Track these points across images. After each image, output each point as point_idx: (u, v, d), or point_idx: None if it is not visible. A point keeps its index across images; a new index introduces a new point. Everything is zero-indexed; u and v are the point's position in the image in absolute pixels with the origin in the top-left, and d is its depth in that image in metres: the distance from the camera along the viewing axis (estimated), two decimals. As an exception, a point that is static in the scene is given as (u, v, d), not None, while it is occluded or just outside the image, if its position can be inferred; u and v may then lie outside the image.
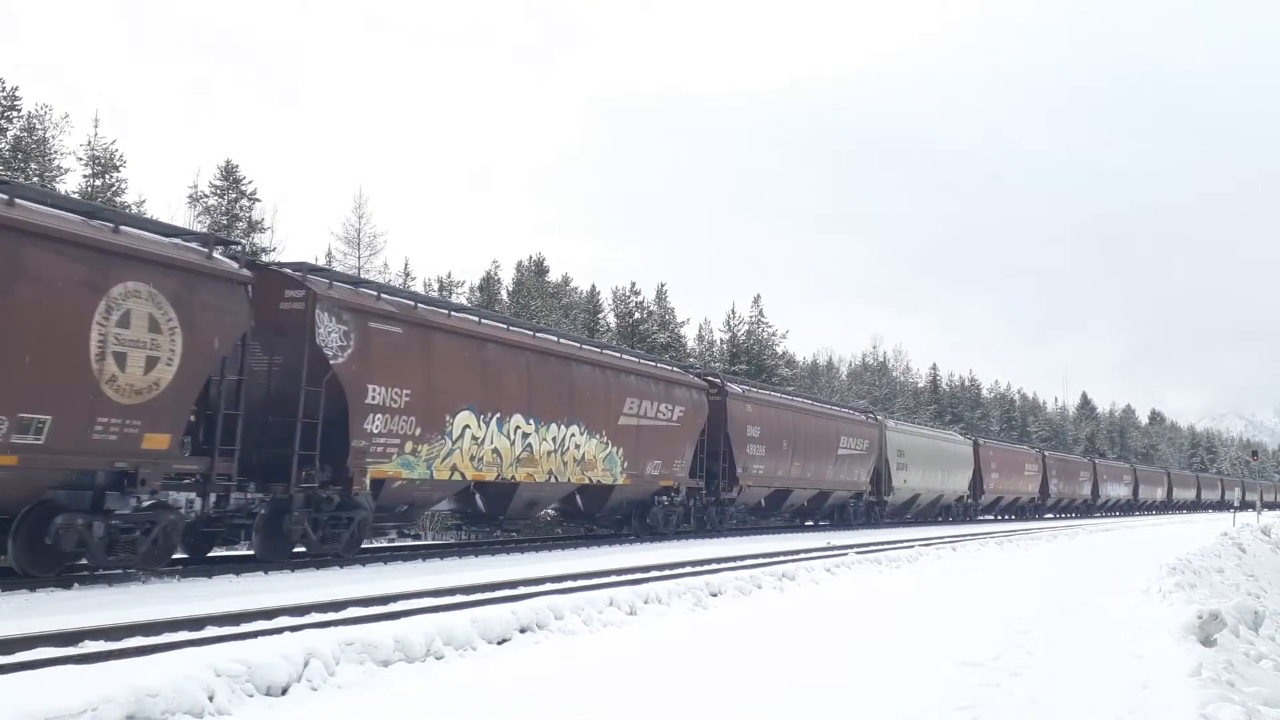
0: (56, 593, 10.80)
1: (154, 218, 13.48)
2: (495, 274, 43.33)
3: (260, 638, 7.50)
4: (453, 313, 17.40)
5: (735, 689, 6.86)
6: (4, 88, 25.41)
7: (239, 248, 14.46)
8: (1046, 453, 58.13)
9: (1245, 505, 62.19)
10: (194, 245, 12.91)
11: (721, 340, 51.60)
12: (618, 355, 22.61)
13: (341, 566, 14.38)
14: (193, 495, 12.74)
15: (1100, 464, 67.91)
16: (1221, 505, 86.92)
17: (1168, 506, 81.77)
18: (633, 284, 45.12)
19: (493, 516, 19.15)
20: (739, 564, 16.12)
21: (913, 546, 21.92)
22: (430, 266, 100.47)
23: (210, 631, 8.35)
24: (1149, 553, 21.61)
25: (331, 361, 14.17)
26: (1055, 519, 55.79)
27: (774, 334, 52.45)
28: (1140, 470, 77.56)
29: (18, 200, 10.84)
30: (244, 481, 13.30)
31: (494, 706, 6.27)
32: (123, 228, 11.88)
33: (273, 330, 13.95)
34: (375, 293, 15.79)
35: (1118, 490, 69.95)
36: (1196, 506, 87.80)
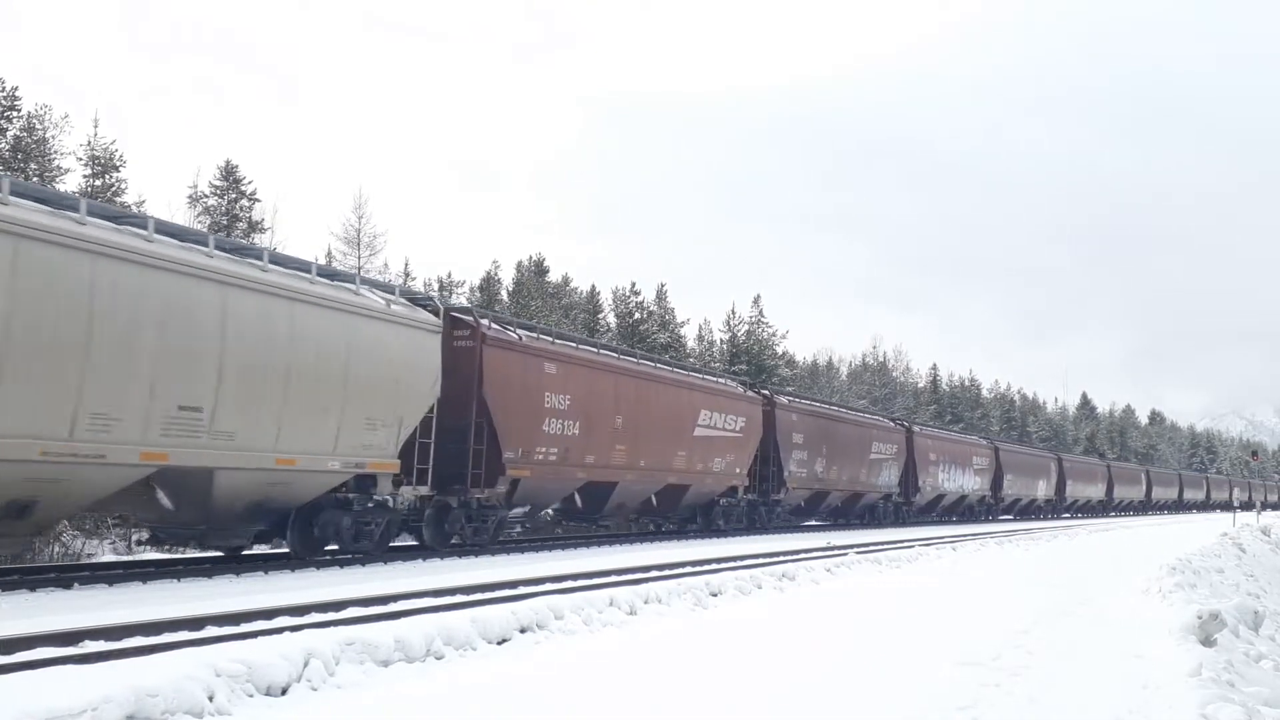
0: (56, 593, 10.80)
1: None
2: (495, 274, 43.18)
3: (260, 638, 7.50)
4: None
5: (735, 688, 6.87)
6: (4, 88, 25.40)
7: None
8: (776, 394, 29.95)
9: (1247, 505, 62.42)
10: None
11: (721, 340, 51.47)
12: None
13: (342, 567, 14.44)
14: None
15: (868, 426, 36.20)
16: (1229, 505, 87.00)
17: (1161, 508, 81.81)
18: (633, 284, 45.08)
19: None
20: (740, 564, 16.12)
21: (913, 546, 21.97)
22: (430, 266, 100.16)
23: (210, 631, 8.35)
24: (1149, 552, 21.62)
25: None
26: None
27: (774, 334, 52.28)
28: (1001, 450, 48.52)
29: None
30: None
31: (494, 706, 6.28)
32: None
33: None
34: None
35: (959, 484, 42.76)
36: (1205, 506, 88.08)
